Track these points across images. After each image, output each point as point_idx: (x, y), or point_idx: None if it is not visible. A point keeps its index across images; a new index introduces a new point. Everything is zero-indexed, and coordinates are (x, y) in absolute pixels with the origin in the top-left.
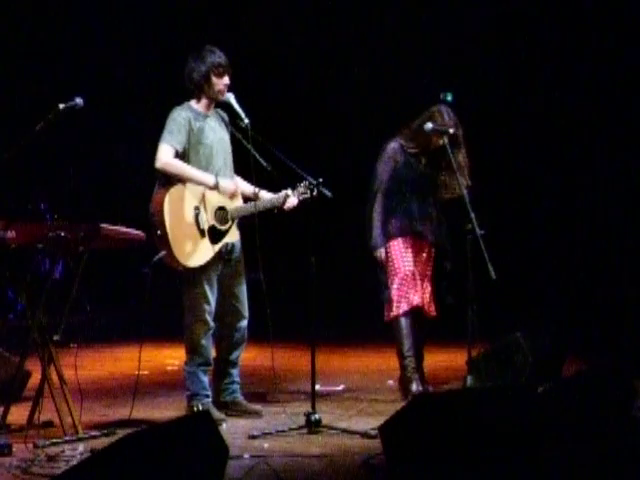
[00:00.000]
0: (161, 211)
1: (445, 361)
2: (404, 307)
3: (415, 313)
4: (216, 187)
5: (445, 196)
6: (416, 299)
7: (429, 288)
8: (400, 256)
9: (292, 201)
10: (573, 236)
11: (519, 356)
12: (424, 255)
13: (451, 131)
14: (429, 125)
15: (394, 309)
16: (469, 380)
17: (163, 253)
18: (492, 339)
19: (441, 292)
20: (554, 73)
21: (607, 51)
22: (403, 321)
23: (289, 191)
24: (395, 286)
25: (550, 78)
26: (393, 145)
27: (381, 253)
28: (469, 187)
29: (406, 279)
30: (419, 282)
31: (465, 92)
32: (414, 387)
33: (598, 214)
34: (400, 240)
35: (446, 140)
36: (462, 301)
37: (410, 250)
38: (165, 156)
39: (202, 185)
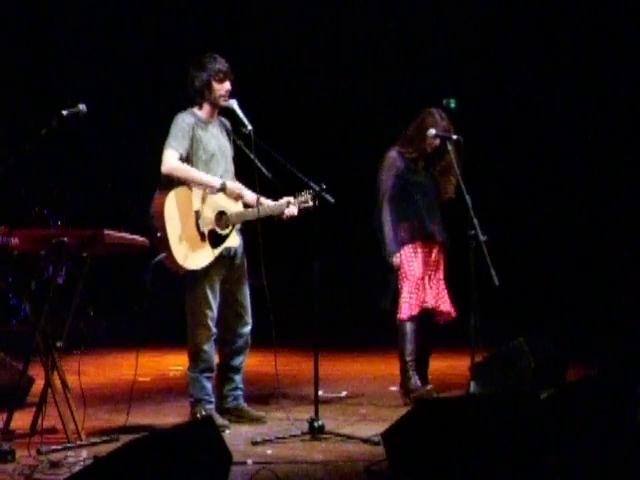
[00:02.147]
0: (162, 213)
1: (448, 367)
2: (411, 311)
3: (424, 318)
4: (223, 189)
5: (443, 197)
6: (429, 301)
7: (445, 290)
8: (408, 262)
9: (292, 210)
10: (577, 242)
11: (522, 362)
12: (433, 257)
13: (454, 137)
14: (432, 131)
15: (401, 313)
16: (473, 386)
17: (163, 255)
18: (495, 345)
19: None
20: (555, 76)
21: (611, 53)
22: (408, 325)
23: (291, 199)
24: (405, 290)
25: (550, 82)
26: (392, 153)
27: (397, 257)
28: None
29: (415, 284)
30: (430, 285)
31: (467, 98)
32: (413, 382)
33: (602, 222)
34: (410, 246)
35: (449, 145)
36: (465, 307)
37: (420, 255)
38: (171, 161)
39: (208, 187)
